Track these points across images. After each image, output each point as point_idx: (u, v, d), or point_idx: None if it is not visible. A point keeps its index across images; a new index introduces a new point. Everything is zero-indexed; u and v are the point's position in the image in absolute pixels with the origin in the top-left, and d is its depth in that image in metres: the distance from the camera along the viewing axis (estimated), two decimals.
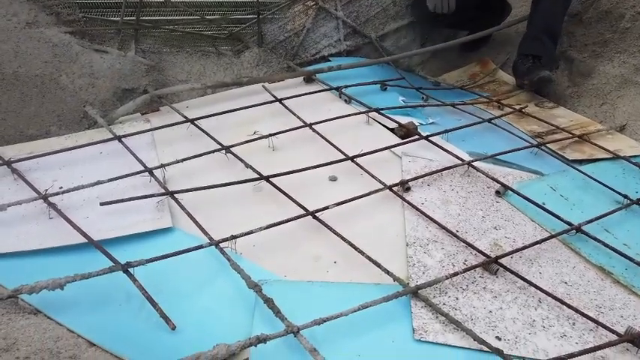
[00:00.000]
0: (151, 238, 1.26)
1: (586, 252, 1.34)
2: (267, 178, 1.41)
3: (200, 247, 1.16)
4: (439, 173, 1.55)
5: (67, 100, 1.75)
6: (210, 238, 1.19)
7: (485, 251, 1.27)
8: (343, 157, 1.55)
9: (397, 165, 1.61)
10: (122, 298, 1.08)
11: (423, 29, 2.64)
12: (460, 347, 1.02)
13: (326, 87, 2.01)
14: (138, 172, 1.42)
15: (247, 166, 1.46)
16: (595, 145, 1.80)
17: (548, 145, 1.79)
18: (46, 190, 1.33)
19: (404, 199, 1.41)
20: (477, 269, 1.22)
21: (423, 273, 1.20)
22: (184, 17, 2.20)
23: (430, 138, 1.69)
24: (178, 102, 1.92)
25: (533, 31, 2.19)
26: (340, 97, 1.97)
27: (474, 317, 1.10)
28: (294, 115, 1.76)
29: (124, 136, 1.59)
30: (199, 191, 1.35)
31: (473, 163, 1.59)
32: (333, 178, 1.53)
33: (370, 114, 1.84)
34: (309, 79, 2.08)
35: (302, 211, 1.30)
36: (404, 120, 1.82)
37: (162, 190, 1.35)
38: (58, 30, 1.88)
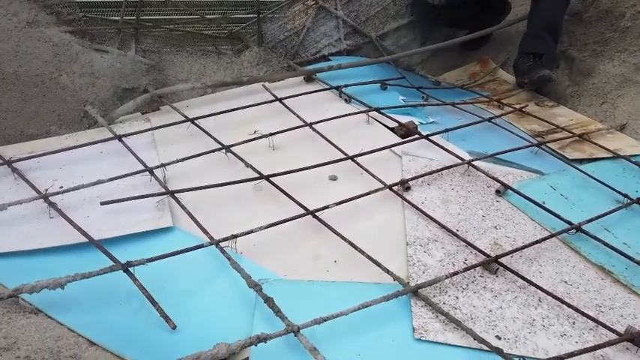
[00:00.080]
0: (151, 237, 1.27)
1: (586, 251, 1.34)
2: (267, 178, 1.42)
3: (200, 246, 1.16)
4: (439, 172, 1.56)
5: (67, 100, 1.75)
6: (211, 238, 1.19)
7: (486, 250, 1.27)
8: (343, 156, 1.55)
9: (397, 164, 1.61)
10: (122, 297, 1.08)
11: (423, 28, 2.64)
12: (460, 346, 1.02)
13: (326, 86, 2.01)
14: (138, 172, 1.42)
15: (247, 165, 1.46)
16: (595, 144, 1.80)
17: (548, 144, 1.79)
18: (47, 190, 1.33)
19: (404, 199, 1.41)
20: (477, 268, 1.22)
21: (423, 272, 1.20)
22: (184, 17, 2.20)
23: (430, 137, 1.69)
24: (178, 101, 1.92)
25: (533, 30, 2.19)
26: (340, 97, 1.97)
27: (474, 316, 1.10)
28: (295, 114, 1.76)
29: (125, 135, 1.59)
30: (199, 191, 1.35)
31: (473, 163, 1.59)
32: (333, 178, 1.53)
33: (370, 113, 1.84)
34: (309, 79, 2.08)
35: (302, 211, 1.30)
36: (404, 119, 1.82)
37: (163, 190, 1.35)
38: (59, 29, 1.88)
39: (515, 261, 1.27)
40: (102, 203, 1.28)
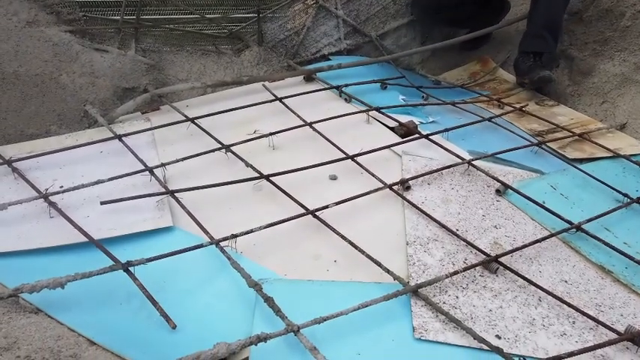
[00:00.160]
0: (151, 237, 1.27)
1: (586, 251, 1.34)
2: (267, 177, 1.42)
3: (200, 246, 1.16)
4: (439, 172, 1.56)
5: (67, 100, 1.75)
6: (211, 237, 1.19)
7: (486, 250, 1.27)
8: (343, 155, 1.55)
9: (397, 164, 1.61)
10: (123, 297, 1.08)
11: (423, 28, 2.64)
12: (460, 346, 1.02)
13: (326, 86, 2.01)
14: (138, 171, 1.42)
15: (247, 165, 1.46)
16: (595, 143, 1.80)
17: (548, 143, 1.79)
18: (47, 190, 1.33)
19: (404, 198, 1.41)
20: (477, 268, 1.22)
21: (423, 272, 1.20)
22: (184, 16, 2.20)
23: (430, 137, 1.69)
24: (178, 101, 1.92)
25: (533, 28, 2.19)
26: (340, 96, 1.97)
27: (473, 316, 1.10)
28: (295, 113, 1.76)
29: (125, 135, 1.59)
30: (199, 190, 1.35)
31: (473, 162, 1.59)
32: (334, 177, 1.53)
33: (370, 113, 1.84)
34: (309, 78, 2.08)
35: (302, 210, 1.30)
36: (404, 119, 1.82)
37: (163, 189, 1.35)
38: (59, 29, 1.87)
39: (515, 260, 1.27)
40: (102, 203, 1.28)
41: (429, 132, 1.71)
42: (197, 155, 1.50)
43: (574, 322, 1.12)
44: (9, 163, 1.43)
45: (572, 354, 0.99)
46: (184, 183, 1.42)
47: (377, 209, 1.40)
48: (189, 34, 2.23)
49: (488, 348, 0.99)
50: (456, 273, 1.17)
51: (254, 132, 1.65)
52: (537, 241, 1.31)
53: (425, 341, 1.03)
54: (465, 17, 2.50)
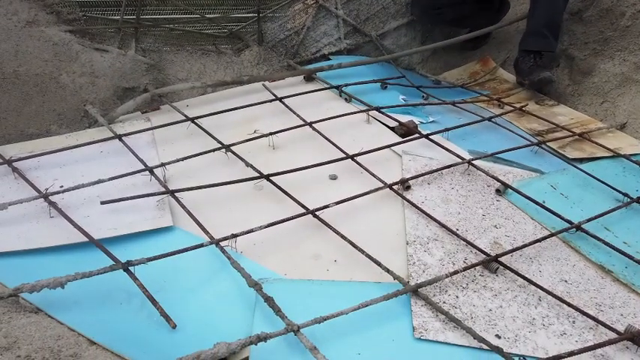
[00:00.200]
0: (151, 236, 1.27)
1: (586, 250, 1.34)
2: (267, 177, 1.42)
3: (200, 245, 1.16)
4: (439, 172, 1.56)
5: (67, 99, 1.75)
6: (211, 237, 1.19)
7: (486, 250, 1.27)
8: (343, 155, 1.55)
9: (397, 163, 1.61)
10: (123, 296, 1.08)
11: (423, 27, 2.64)
12: (460, 345, 1.03)
13: (326, 85, 2.01)
14: (138, 171, 1.42)
15: (247, 164, 1.46)
16: (595, 143, 1.80)
17: (548, 143, 1.79)
18: (47, 189, 1.33)
19: (404, 198, 1.41)
20: (477, 268, 1.22)
21: (423, 271, 1.20)
22: (185, 16, 2.20)
23: (430, 136, 1.69)
24: (179, 101, 1.92)
25: (533, 27, 2.19)
26: (340, 96, 1.97)
27: (473, 315, 1.10)
28: (295, 113, 1.76)
29: (125, 134, 1.59)
30: (200, 190, 1.35)
31: (473, 162, 1.59)
32: (334, 177, 1.53)
33: (370, 112, 1.84)
34: (309, 78, 2.08)
35: (302, 210, 1.31)
36: (404, 118, 1.82)
37: (163, 189, 1.35)
38: (59, 29, 1.87)
39: (515, 260, 1.27)
40: (102, 202, 1.28)
41: (429, 132, 1.71)
42: (197, 155, 1.50)
43: (574, 322, 1.12)
44: (9, 162, 1.43)
45: (572, 353, 0.99)
46: (184, 183, 1.42)
47: (377, 209, 1.40)
48: (189, 34, 2.23)
49: (488, 347, 0.99)
50: (455, 273, 1.17)
51: (254, 132, 1.65)
52: (537, 240, 1.31)
53: (425, 341, 1.03)
54: (465, 17, 2.50)
